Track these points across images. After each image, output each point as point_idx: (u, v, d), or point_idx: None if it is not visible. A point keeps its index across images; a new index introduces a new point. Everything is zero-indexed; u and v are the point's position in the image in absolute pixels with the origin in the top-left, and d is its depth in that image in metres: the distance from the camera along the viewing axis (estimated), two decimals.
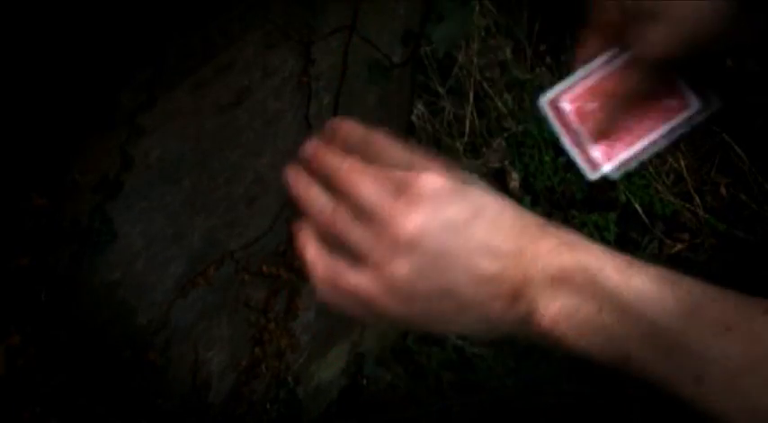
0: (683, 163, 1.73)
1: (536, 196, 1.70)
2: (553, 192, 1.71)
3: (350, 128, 0.48)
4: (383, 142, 0.46)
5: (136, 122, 0.75)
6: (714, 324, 0.39)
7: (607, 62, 0.57)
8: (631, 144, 0.57)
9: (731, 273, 1.59)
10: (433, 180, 0.42)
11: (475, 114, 1.77)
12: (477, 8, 1.51)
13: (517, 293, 0.41)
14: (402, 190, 0.43)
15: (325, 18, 0.95)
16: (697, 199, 1.69)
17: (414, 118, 1.69)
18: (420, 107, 1.73)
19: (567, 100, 0.58)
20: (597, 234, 1.63)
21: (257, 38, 0.85)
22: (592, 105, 0.57)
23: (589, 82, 0.58)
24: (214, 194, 0.89)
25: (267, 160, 0.95)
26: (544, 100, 0.58)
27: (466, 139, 1.75)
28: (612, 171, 0.57)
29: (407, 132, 1.28)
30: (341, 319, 1.28)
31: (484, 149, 1.75)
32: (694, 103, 0.58)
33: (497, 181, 1.72)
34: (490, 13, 1.66)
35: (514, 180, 1.73)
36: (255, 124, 0.91)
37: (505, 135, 1.75)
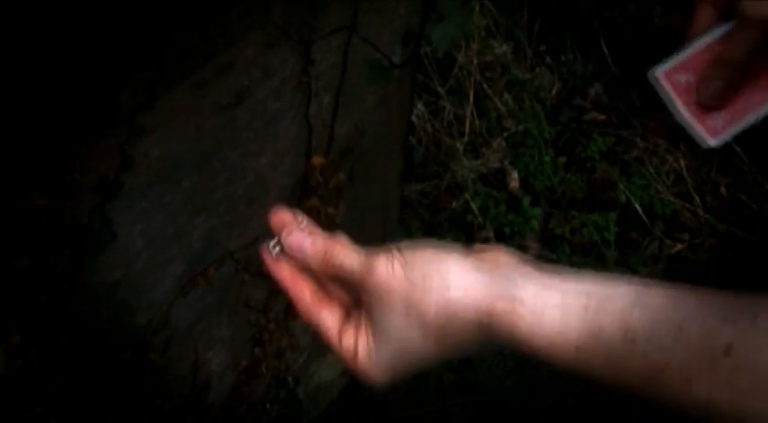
0: (683, 163, 1.73)
1: (536, 196, 1.70)
2: (553, 192, 1.71)
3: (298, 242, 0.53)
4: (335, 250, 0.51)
5: (136, 122, 0.75)
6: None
7: (722, 32, 0.57)
8: (747, 111, 0.57)
9: (731, 273, 1.59)
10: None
11: (475, 114, 1.77)
12: (477, 8, 1.51)
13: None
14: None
15: (325, 18, 0.95)
16: (697, 199, 1.69)
17: (414, 118, 1.68)
18: (420, 107, 1.73)
19: (683, 71, 0.58)
20: (597, 234, 1.63)
21: (257, 38, 0.85)
22: (708, 75, 0.57)
23: (704, 53, 0.58)
24: (214, 194, 0.89)
25: (267, 160, 0.95)
26: (659, 72, 0.59)
27: (466, 139, 1.75)
28: (731, 138, 0.58)
29: (407, 132, 1.28)
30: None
31: (484, 149, 1.75)
32: None
33: (497, 181, 1.72)
34: (490, 13, 1.66)
35: (514, 180, 1.73)
36: (255, 124, 0.91)
37: (505, 135, 1.75)
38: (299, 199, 1.02)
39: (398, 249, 0.48)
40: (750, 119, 0.57)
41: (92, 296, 0.78)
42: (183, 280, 0.90)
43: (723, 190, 1.75)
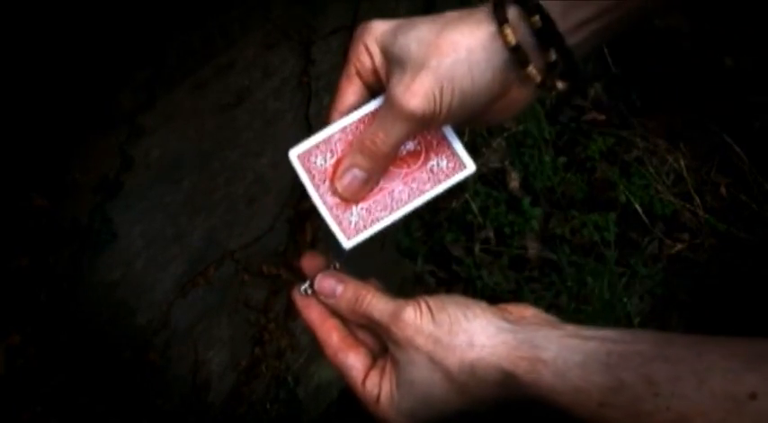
0: (682, 163, 1.73)
1: (536, 196, 1.70)
2: (553, 192, 1.71)
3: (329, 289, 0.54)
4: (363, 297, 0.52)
5: (136, 122, 0.75)
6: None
7: (369, 112, 0.52)
8: (389, 210, 0.51)
9: (731, 273, 1.59)
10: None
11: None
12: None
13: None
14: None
15: (325, 18, 0.95)
16: (697, 199, 1.69)
17: None
18: None
19: (322, 153, 0.51)
20: (597, 234, 1.63)
21: (257, 38, 0.85)
22: (347, 163, 0.50)
23: (347, 134, 0.51)
24: (214, 194, 0.89)
25: (267, 160, 0.95)
26: (295, 152, 0.52)
27: (466, 138, 1.75)
28: (367, 239, 0.52)
29: None
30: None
31: (484, 149, 1.75)
32: (470, 165, 0.52)
33: (497, 181, 1.72)
34: None
35: (514, 180, 1.73)
36: (255, 124, 0.91)
37: (505, 135, 1.75)
38: (299, 199, 1.02)
39: (426, 303, 0.49)
40: (391, 219, 0.51)
41: (92, 296, 0.78)
42: (183, 280, 0.90)
43: (723, 190, 1.75)
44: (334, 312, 0.54)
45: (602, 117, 1.86)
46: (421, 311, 0.49)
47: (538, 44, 0.47)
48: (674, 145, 1.80)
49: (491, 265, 1.61)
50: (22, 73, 0.62)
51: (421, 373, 0.48)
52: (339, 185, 0.51)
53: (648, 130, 1.82)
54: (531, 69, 0.47)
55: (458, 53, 0.46)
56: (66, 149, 0.69)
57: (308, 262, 0.55)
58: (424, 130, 0.51)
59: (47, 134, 0.67)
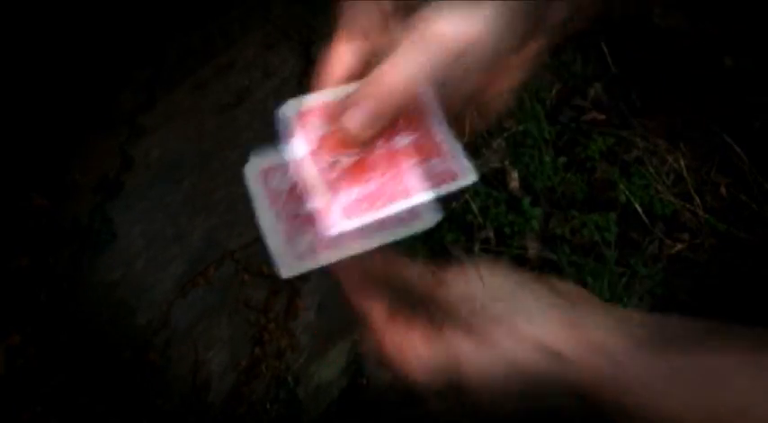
0: (682, 163, 1.73)
1: (536, 196, 1.70)
2: (553, 192, 1.71)
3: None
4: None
5: (136, 122, 0.75)
6: None
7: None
8: (378, 207, 0.45)
9: (731, 273, 1.59)
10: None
11: (475, 114, 1.76)
12: None
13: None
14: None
15: (325, 18, 0.95)
16: (697, 199, 1.69)
17: None
18: None
19: (282, 174, 0.47)
20: (597, 234, 1.63)
21: (257, 38, 0.85)
22: (359, 96, 0.40)
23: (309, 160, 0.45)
24: (214, 194, 0.89)
25: None
26: (253, 167, 0.47)
27: (466, 139, 1.75)
28: (306, 271, 0.47)
29: None
30: (341, 319, 1.28)
31: (484, 149, 1.75)
32: (469, 174, 0.45)
33: (497, 181, 1.72)
34: None
35: (514, 180, 1.73)
36: (255, 124, 0.91)
37: (505, 135, 1.75)
38: None
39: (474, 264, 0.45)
40: (333, 256, 0.47)
41: (92, 296, 0.78)
42: (183, 280, 0.90)
43: (723, 190, 1.75)
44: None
45: (602, 117, 1.86)
46: (469, 270, 0.45)
47: None
48: (674, 145, 1.80)
49: None
50: (22, 74, 0.62)
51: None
52: (341, 123, 0.41)
53: (648, 130, 1.82)
54: None
55: None
56: (66, 150, 0.69)
57: None
58: (450, 70, 0.39)
59: (47, 134, 0.67)
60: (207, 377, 1.00)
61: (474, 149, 1.76)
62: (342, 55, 0.42)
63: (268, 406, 1.14)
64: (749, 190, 1.67)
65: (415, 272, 0.46)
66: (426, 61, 0.37)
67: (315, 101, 0.45)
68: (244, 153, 0.94)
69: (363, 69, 0.41)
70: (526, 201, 1.67)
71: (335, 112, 0.42)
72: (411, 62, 0.37)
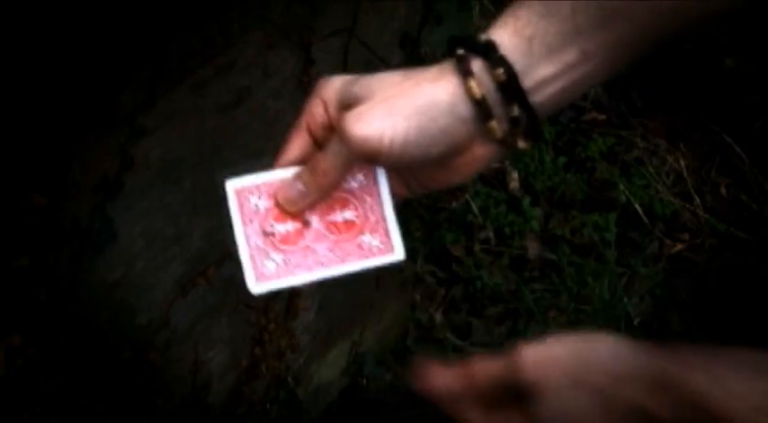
0: (682, 163, 1.73)
1: (536, 196, 1.70)
2: (553, 192, 1.71)
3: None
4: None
5: (136, 122, 0.75)
6: None
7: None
8: (310, 269, 0.51)
9: (731, 273, 1.59)
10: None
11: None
12: (477, 9, 1.51)
13: None
14: None
15: (324, 19, 0.95)
16: (697, 199, 1.69)
17: None
18: None
19: (258, 193, 0.52)
20: (597, 234, 1.63)
21: (257, 38, 0.85)
22: (297, 175, 0.50)
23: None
24: (214, 194, 0.89)
25: (267, 160, 0.95)
26: (232, 185, 0.52)
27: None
28: (277, 289, 0.51)
29: None
30: (341, 319, 1.28)
31: None
32: (398, 252, 0.52)
33: (497, 181, 1.72)
34: (490, 14, 1.66)
35: (514, 180, 1.73)
36: (255, 124, 0.91)
37: None
38: None
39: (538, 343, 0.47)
40: (306, 278, 0.51)
41: (92, 296, 0.78)
42: (183, 280, 0.90)
43: (723, 190, 1.75)
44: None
45: (603, 117, 1.86)
46: (537, 348, 0.46)
47: (502, 99, 0.45)
48: (674, 145, 1.80)
49: (491, 266, 1.61)
50: (22, 73, 0.62)
51: (567, 404, 0.45)
52: (280, 195, 0.51)
53: (648, 130, 1.82)
54: (494, 124, 0.46)
55: (420, 96, 0.45)
56: (66, 149, 0.69)
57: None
58: (371, 165, 0.50)
59: (47, 134, 0.67)
60: (207, 377, 1.00)
61: None
62: (291, 146, 0.52)
63: (268, 406, 1.14)
64: (749, 190, 1.67)
65: (496, 366, 0.48)
66: (343, 157, 0.47)
67: (255, 180, 0.52)
68: (244, 153, 0.94)
69: (306, 159, 0.51)
70: (526, 201, 1.67)
71: (273, 189, 0.51)
72: (331, 157, 0.48)
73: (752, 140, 1.67)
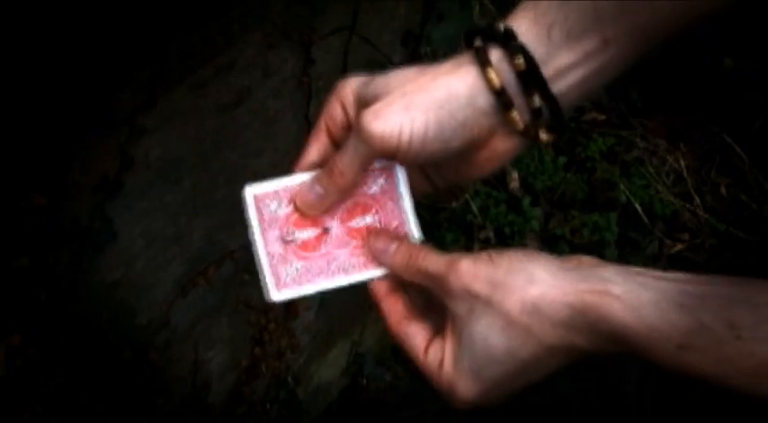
0: (682, 163, 1.73)
1: (536, 196, 1.70)
2: (553, 192, 1.71)
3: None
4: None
5: (136, 122, 0.75)
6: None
7: None
8: (331, 275, 0.51)
9: (731, 273, 1.59)
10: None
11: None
12: (478, 8, 1.51)
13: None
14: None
15: (325, 18, 0.95)
16: (697, 199, 1.69)
17: None
18: None
19: (277, 199, 0.51)
20: (598, 234, 1.63)
21: (257, 38, 0.85)
22: (315, 177, 0.49)
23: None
24: (214, 194, 0.89)
25: (267, 160, 0.95)
26: (250, 191, 0.51)
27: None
28: (295, 297, 0.50)
29: None
30: (341, 319, 1.28)
31: None
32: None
33: (497, 181, 1.72)
34: (490, 12, 1.66)
35: (514, 180, 1.73)
36: (255, 124, 0.91)
37: None
38: None
39: (485, 251, 0.47)
40: (326, 285, 0.51)
41: (92, 296, 0.78)
42: (183, 280, 0.90)
43: (723, 190, 1.75)
44: (399, 289, 0.51)
45: (603, 117, 1.86)
46: (479, 258, 0.46)
47: (522, 89, 0.45)
48: (674, 145, 1.80)
49: None
50: (22, 73, 0.62)
51: (480, 323, 0.44)
52: (299, 198, 0.50)
53: (648, 130, 1.82)
54: (515, 115, 0.45)
55: (438, 89, 0.45)
56: (66, 149, 0.69)
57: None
58: (391, 161, 0.50)
59: (47, 134, 0.67)
60: (207, 377, 1.00)
61: None
62: (310, 149, 0.51)
63: (268, 406, 1.14)
64: (749, 190, 1.67)
65: (433, 261, 0.48)
66: (360, 156, 0.46)
67: (274, 185, 0.51)
68: (244, 153, 0.94)
69: (326, 161, 0.50)
70: (526, 201, 1.67)
71: (293, 194, 0.51)
72: (348, 156, 0.47)
73: (752, 140, 1.67)
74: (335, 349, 1.30)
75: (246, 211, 0.51)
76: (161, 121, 0.77)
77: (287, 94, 0.94)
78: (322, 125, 0.50)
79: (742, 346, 0.38)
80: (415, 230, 0.53)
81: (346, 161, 0.47)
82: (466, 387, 0.46)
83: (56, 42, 0.63)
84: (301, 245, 0.51)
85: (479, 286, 0.45)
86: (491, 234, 1.65)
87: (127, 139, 0.74)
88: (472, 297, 0.45)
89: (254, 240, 0.50)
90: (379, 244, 0.51)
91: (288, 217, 0.51)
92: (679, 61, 1.73)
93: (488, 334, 0.44)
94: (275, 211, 0.51)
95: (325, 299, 1.18)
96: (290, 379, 1.17)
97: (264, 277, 0.50)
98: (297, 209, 0.51)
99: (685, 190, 1.74)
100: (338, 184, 0.49)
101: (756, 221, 1.65)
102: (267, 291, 0.50)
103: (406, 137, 0.44)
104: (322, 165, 0.50)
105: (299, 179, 0.50)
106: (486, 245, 1.63)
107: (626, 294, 0.41)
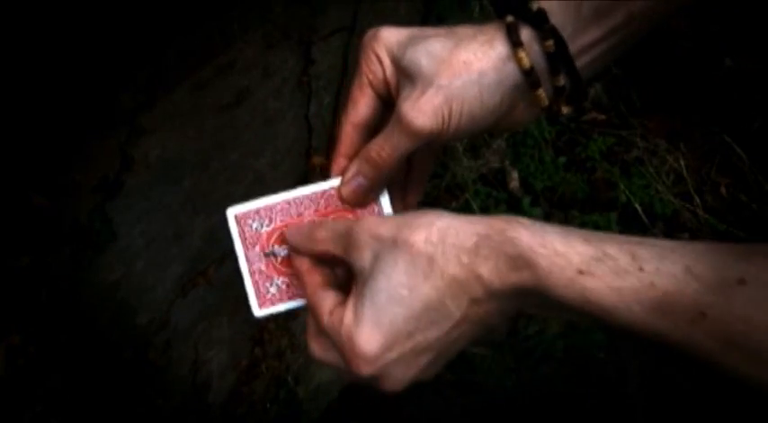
0: (682, 163, 1.73)
1: (536, 196, 1.70)
2: (553, 192, 1.71)
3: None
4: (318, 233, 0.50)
5: (136, 122, 0.75)
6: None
7: (317, 191, 0.52)
8: (301, 296, 0.51)
9: None
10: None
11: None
12: (477, 8, 1.51)
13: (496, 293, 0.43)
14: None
15: (325, 18, 0.95)
16: (697, 199, 1.69)
17: None
18: None
19: (259, 218, 0.52)
20: None
21: (257, 38, 0.85)
22: (354, 171, 0.51)
23: (290, 206, 0.52)
24: (214, 194, 0.89)
25: (267, 160, 0.95)
26: (233, 211, 0.52)
27: (466, 139, 1.75)
28: (279, 312, 0.52)
29: None
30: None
31: (484, 149, 1.75)
32: None
33: (497, 181, 1.72)
34: (490, 14, 1.66)
35: (514, 180, 1.73)
36: (255, 124, 0.91)
37: (505, 135, 1.75)
38: None
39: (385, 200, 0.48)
40: (300, 301, 0.52)
41: (92, 296, 0.78)
42: (183, 280, 0.90)
43: (723, 190, 1.75)
44: (322, 264, 0.51)
45: (602, 117, 1.86)
46: (382, 208, 0.47)
47: (548, 68, 0.46)
48: (674, 145, 1.80)
49: None
50: (23, 74, 0.62)
51: (384, 264, 0.44)
52: (344, 190, 0.51)
53: (648, 130, 1.82)
54: (541, 92, 0.47)
55: (469, 74, 0.46)
56: (66, 149, 0.69)
57: None
58: (428, 146, 0.51)
59: (47, 134, 0.67)
60: (207, 377, 1.00)
61: (474, 150, 1.76)
62: (359, 105, 0.51)
63: (268, 406, 1.14)
64: (749, 190, 1.67)
65: (337, 224, 0.49)
66: (404, 147, 0.48)
67: (255, 205, 0.52)
68: (244, 153, 0.94)
69: (373, 117, 0.51)
70: (526, 201, 1.67)
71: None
72: (392, 146, 0.48)
73: (752, 140, 1.67)
74: None
75: (229, 231, 0.52)
76: (161, 121, 0.77)
77: (287, 94, 0.94)
78: (365, 80, 0.51)
79: (644, 276, 0.38)
80: None
81: (389, 151, 0.48)
82: (366, 337, 0.44)
83: (56, 43, 0.63)
84: (283, 261, 0.52)
85: (385, 228, 0.45)
86: None
87: (127, 139, 0.74)
88: (378, 241, 0.45)
89: (238, 258, 0.52)
90: (293, 229, 0.51)
91: (269, 235, 0.52)
92: (679, 61, 1.73)
93: (391, 274, 0.43)
94: (257, 230, 0.52)
95: None
96: (290, 379, 1.17)
97: (248, 294, 0.52)
98: (278, 228, 0.52)
99: (685, 190, 1.74)
100: (383, 174, 0.50)
101: (756, 221, 1.65)
102: (251, 307, 0.52)
103: (446, 127, 0.46)
104: (372, 119, 0.51)
105: (279, 198, 0.52)
106: None
107: (533, 224, 0.42)
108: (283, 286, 0.52)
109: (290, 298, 0.52)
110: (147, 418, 0.90)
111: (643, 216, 1.68)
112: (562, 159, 1.74)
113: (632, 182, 1.72)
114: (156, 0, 0.69)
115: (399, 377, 0.45)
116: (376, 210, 0.53)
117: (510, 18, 0.46)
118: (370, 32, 0.49)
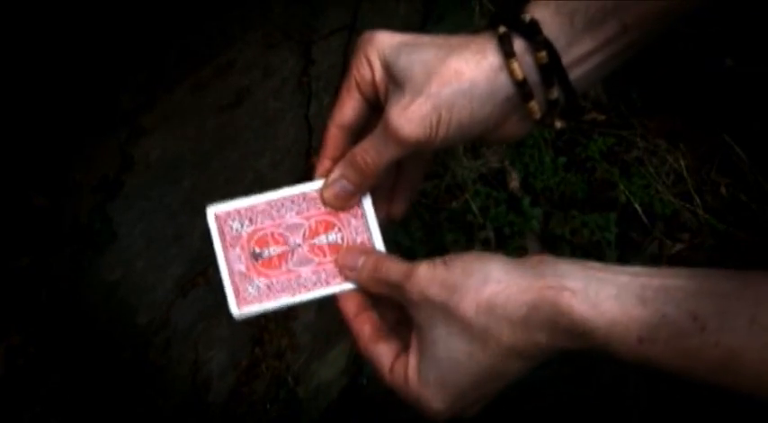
0: (682, 163, 1.73)
1: (536, 196, 1.70)
2: (553, 192, 1.71)
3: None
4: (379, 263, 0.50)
5: (136, 122, 0.75)
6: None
7: (298, 193, 0.52)
8: (294, 292, 0.52)
9: None
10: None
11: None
12: (478, 8, 1.51)
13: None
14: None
15: (325, 18, 0.95)
16: (697, 199, 1.69)
17: None
18: None
19: (239, 218, 0.52)
20: (598, 234, 1.63)
21: (257, 38, 0.85)
22: (337, 174, 0.51)
23: (271, 207, 0.52)
24: (214, 194, 0.89)
25: (267, 160, 0.95)
26: (213, 210, 0.52)
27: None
28: (259, 314, 0.52)
29: None
30: (341, 319, 1.28)
31: (484, 149, 1.75)
32: None
33: (497, 181, 1.72)
34: (490, 13, 1.66)
35: (514, 180, 1.73)
36: (255, 124, 0.91)
37: None
38: None
39: (441, 257, 0.47)
40: (289, 301, 0.52)
41: (92, 296, 0.78)
42: (183, 280, 0.90)
43: (723, 190, 1.75)
44: (370, 307, 0.52)
45: (602, 117, 1.86)
46: (435, 263, 0.46)
47: (542, 80, 0.46)
48: (674, 145, 1.80)
49: None
50: (22, 73, 0.62)
51: (440, 330, 0.44)
52: (327, 193, 0.51)
53: (648, 130, 1.82)
54: (533, 104, 0.46)
55: (460, 83, 0.45)
56: (66, 149, 0.69)
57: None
58: (417, 154, 0.51)
59: (47, 134, 0.67)
60: (207, 377, 1.00)
61: (473, 150, 1.76)
62: (344, 107, 0.51)
63: (268, 406, 1.14)
64: (749, 190, 1.67)
65: (393, 270, 0.49)
66: (390, 154, 0.47)
67: (236, 204, 0.53)
68: (244, 153, 0.94)
69: (359, 119, 0.51)
70: (526, 201, 1.67)
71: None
72: (378, 152, 0.48)
73: (752, 140, 1.67)
74: (335, 349, 1.30)
75: (208, 229, 0.52)
76: (161, 121, 0.77)
77: (287, 94, 0.94)
78: (353, 82, 0.50)
79: (706, 337, 0.38)
80: (379, 246, 0.53)
81: (375, 157, 0.48)
82: (433, 398, 0.46)
83: (56, 43, 0.63)
84: (263, 263, 0.52)
85: (435, 291, 0.45)
86: (491, 234, 1.65)
87: (127, 139, 0.74)
88: (429, 303, 0.45)
89: (217, 258, 0.52)
90: (348, 259, 0.52)
91: (251, 235, 0.52)
92: (679, 61, 1.73)
93: (448, 340, 0.44)
94: (238, 230, 0.52)
95: (324, 299, 1.18)
96: (290, 379, 1.17)
97: (227, 294, 0.51)
98: (260, 229, 0.52)
99: (685, 190, 1.74)
100: (367, 179, 0.49)
101: (756, 221, 1.65)
102: (229, 307, 0.51)
103: (433, 136, 0.46)
104: (356, 123, 0.51)
105: (261, 199, 0.52)
106: (486, 245, 1.63)
107: (584, 289, 0.41)
108: (264, 287, 0.52)
109: (268, 299, 0.52)
110: (147, 418, 0.90)
111: (643, 216, 1.68)
112: (562, 159, 1.74)
113: (632, 182, 1.72)
114: (156, 0, 0.69)
115: (468, 413, 0.47)
116: (359, 213, 0.53)
117: (502, 28, 0.45)
118: (366, 35, 0.49)
